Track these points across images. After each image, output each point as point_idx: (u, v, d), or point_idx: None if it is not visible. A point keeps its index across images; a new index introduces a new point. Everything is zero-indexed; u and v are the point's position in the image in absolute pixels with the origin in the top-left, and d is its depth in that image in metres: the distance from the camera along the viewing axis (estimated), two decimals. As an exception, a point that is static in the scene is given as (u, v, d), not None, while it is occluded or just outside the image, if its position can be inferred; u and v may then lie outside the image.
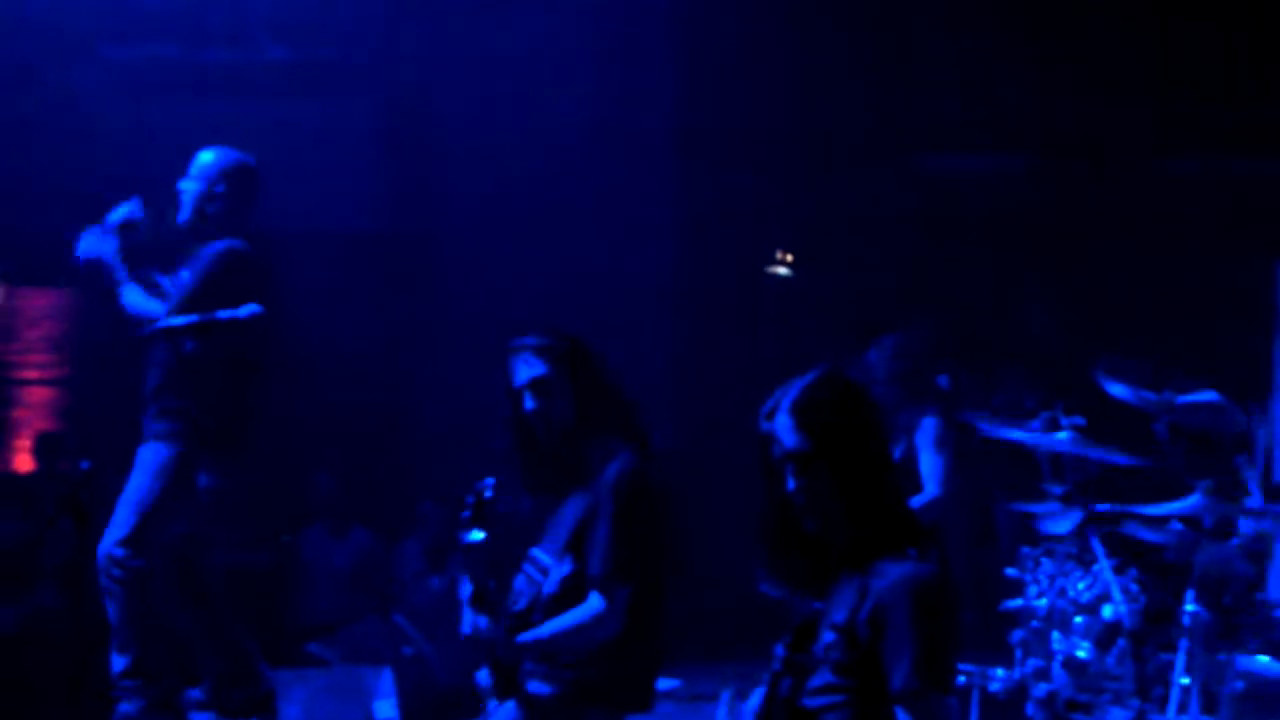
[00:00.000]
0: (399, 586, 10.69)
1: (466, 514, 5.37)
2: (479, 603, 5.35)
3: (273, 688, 7.93)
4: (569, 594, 5.44)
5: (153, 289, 7.49)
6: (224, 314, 7.12)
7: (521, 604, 5.53)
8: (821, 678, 3.96)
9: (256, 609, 8.72)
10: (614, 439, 5.56)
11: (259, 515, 10.17)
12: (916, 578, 3.94)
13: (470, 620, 5.37)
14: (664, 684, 9.88)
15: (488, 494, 5.40)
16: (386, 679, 8.49)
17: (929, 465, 7.65)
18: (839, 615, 3.97)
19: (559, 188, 12.11)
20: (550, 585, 5.50)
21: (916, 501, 7.46)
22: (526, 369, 5.59)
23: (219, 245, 7.48)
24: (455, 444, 9.35)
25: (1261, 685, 6.78)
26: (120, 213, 7.61)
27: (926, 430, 7.71)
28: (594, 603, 5.33)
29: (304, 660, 9.17)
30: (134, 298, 7.48)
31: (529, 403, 5.56)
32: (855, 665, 3.90)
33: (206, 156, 7.70)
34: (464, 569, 5.47)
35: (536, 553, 5.64)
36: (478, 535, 5.34)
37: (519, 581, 5.64)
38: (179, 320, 7.19)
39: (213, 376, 7.37)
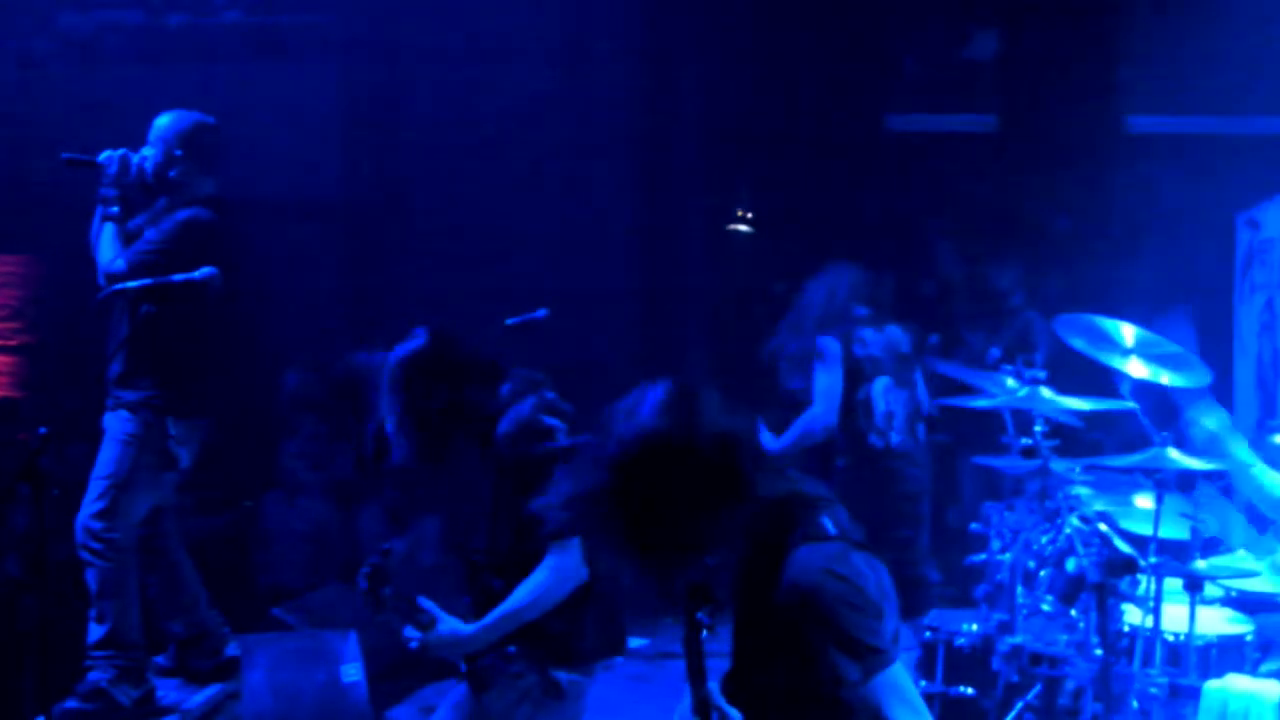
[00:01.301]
0: (361, 550, 10.67)
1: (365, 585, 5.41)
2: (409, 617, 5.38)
3: (237, 653, 7.95)
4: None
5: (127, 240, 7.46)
6: (179, 277, 7.07)
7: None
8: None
9: (220, 574, 8.69)
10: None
11: (223, 480, 10.15)
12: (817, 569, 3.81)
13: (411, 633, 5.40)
14: (632, 642, 9.92)
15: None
16: (352, 642, 8.48)
17: (821, 384, 7.71)
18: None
19: (523, 153, 12.07)
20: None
21: (803, 420, 7.55)
22: None
23: (182, 214, 7.45)
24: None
25: (1226, 637, 6.83)
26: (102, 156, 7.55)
27: (824, 351, 7.78)
28: (551, 559, 5.30)
29: (269, 625, 9.13)
30: (105, 237, 7.44)
31: None
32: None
33: (163, 121, 7.66)
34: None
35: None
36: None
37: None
38: (134, 283, 7.14)
39: (171, 342, 7.35)
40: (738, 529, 3.86)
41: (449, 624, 5.37)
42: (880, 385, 8.33)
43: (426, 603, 5.41)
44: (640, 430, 3.81)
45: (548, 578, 5.29)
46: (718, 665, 4.05)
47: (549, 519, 5.16)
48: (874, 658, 3.77)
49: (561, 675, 5.43)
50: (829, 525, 3.88)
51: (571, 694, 5.47)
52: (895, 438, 8.35)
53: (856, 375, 8.29)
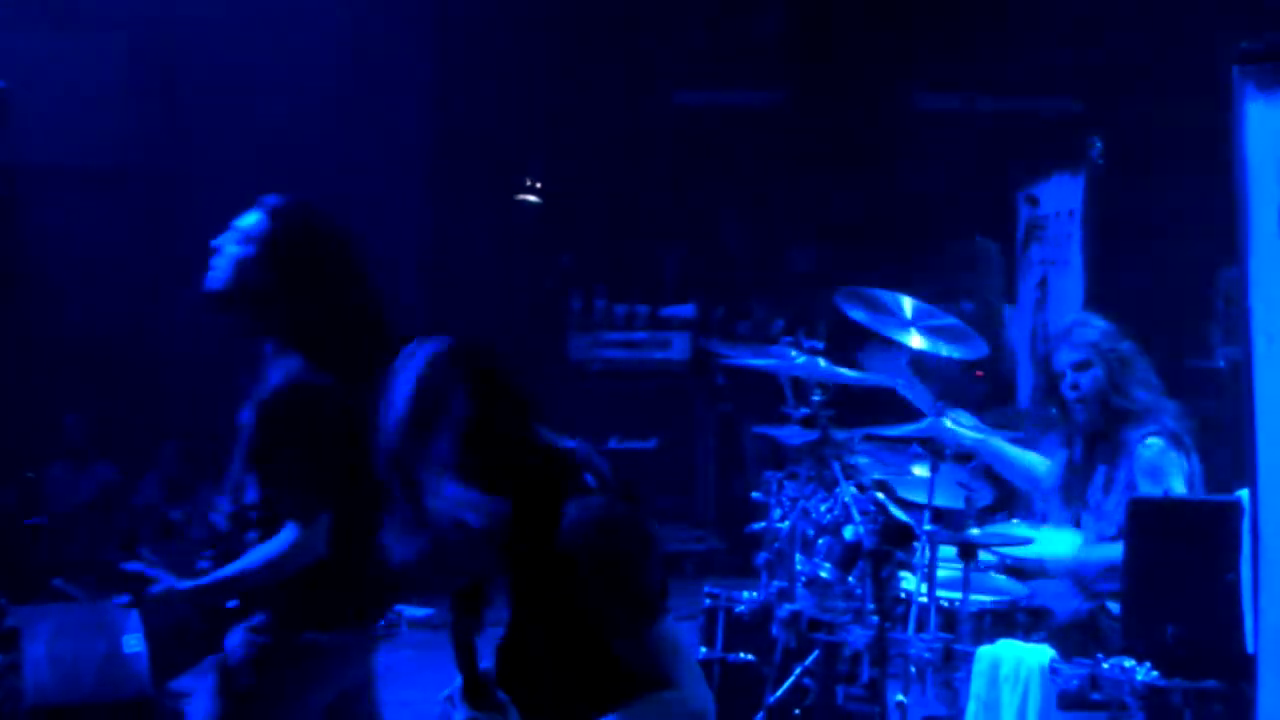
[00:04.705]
0: (138, 519, 10.60)
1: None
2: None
3: (17, 624, 7.82)
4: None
5: None
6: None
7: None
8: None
9: (0, 546, 8.56)
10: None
11: (3, 452, 9.99)
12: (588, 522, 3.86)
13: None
14: (417, 612, 9.94)
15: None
16: (134, 613, 8.39)
17: None
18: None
19: (311, 121, 11.99)
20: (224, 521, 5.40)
21: None
22: None
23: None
24: (198, 381, 9.29)
25: (998, 603, 6.99)
26: None
27: None
28: (289, 533, 5.18)
29: (49, 596, 9.01)
30: None
31: None
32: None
33: (-65, 86, 7.51)
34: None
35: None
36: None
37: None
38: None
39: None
40: (507, 486, 3.90)
41: (164, 581, 5.25)
42: None
43: (136, 566, 5.32)
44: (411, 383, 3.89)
45: (280, 549, 5.16)
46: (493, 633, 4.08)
47: (295, 492, 5.13)
48: (649, 609, 3.82)
49: (315, 637, 5.33)
50: (592, 481, 3.92)
51: (327, 653, 5.36)
52: None
53: None
